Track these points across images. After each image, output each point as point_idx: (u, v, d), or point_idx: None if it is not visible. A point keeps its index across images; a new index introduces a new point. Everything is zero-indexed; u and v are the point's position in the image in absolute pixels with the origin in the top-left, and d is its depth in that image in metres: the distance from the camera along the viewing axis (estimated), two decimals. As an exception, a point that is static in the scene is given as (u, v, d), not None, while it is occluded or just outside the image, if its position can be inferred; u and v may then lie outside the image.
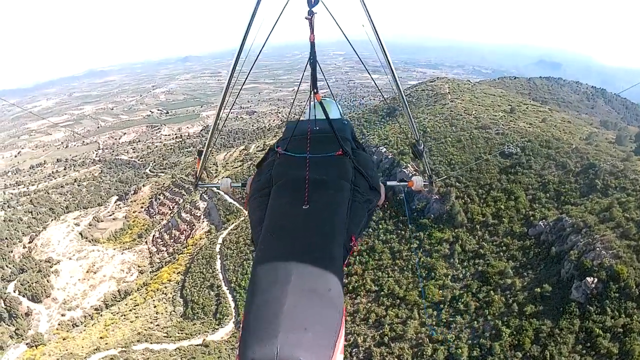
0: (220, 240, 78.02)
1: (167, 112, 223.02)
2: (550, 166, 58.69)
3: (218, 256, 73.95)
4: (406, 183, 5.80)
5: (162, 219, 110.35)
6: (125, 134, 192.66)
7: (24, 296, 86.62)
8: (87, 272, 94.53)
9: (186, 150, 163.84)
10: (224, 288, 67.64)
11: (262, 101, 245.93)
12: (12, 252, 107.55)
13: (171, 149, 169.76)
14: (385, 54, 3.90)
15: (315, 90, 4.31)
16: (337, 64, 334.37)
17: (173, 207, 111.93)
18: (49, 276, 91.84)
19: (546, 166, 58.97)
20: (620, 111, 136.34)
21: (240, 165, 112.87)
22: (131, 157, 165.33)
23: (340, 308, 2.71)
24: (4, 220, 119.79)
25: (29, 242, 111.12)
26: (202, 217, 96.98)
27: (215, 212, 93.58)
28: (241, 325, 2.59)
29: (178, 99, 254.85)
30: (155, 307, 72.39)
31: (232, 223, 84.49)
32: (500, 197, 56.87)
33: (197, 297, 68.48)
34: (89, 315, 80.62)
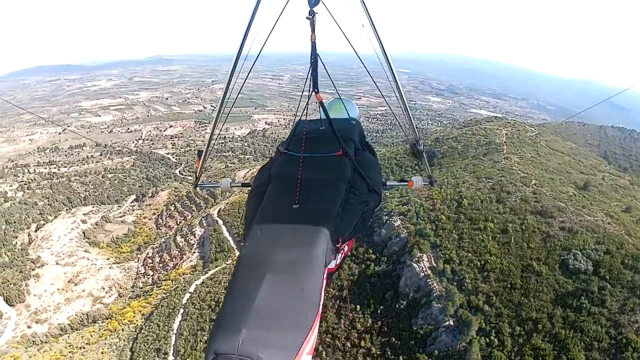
0: (192, 288, 65.13)
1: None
2: (634, 309, 37.09)
3: (181, 311, 61.39)
4: (406, 183, 5.53)
5: (166, 233, 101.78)
6: (171, 126, 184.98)
7: (1, 295, 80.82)
8: (69, 282, 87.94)
9: (223, 154, 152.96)
10: (170, 358, 55.76)
11: (316, 111, 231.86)
12: (16, 238, 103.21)
13: (209, 150, 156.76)
14: (386, 55, 3.79)
15: (315, 90, 4.30)
16: (400, 83, 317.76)
17: (179, 223, 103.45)
18: (28, 279, 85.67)
19: (628, 307, 36.63)
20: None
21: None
22: (167, 153, 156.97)
23: (314, 309, 2.70)
24: (19, 202, 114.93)
25: (35, 231, 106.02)
26: (195, 246, 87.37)
27: (208, 244, 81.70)
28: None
29: (233, 98, 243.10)
30: (102, 353, 63.30)
31: (217, 266, 73.63)
32: (545, 350, 35.76)
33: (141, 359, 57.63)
34: (51, 335, 73.69)
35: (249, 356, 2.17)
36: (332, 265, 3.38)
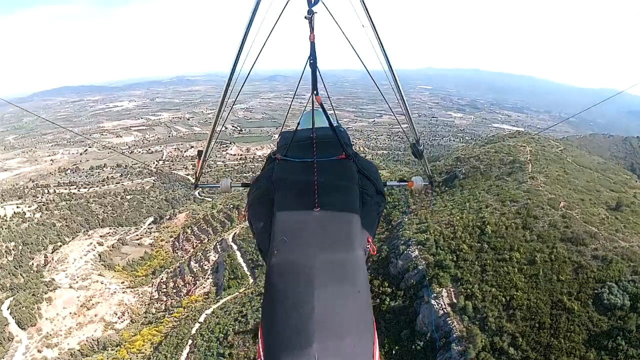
0: (202, 318, 62.89)
1: (241, 130, 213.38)
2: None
3: (189, 342, 59.12)
4: (406, 183, 5.41)
5: (182, 257, 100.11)
6: (192, 147, 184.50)
7: (14, 317, 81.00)
8: (82, 306, 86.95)
9: (243, 175, 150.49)
10: (175, 395, 53.51)
11: (295, 116, 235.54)
12: (32, 259, 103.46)
13: (229, 171, 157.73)
14: (385, 54, 3.80)
15: (315, 92, 4.22)
16: (422, 99, 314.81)
17: (196, 246, 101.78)
18: (41, 302, 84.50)
19: (671, 353, 33.71)
20: None
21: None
22: (187, 174, 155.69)
23: (371, 311, 2.58)
24: (37, 224, 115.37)
25: (51, 252, 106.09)
26: (208, 272, 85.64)
27: (222, 270, 79.81)
28: (261, 337, 2.41)
29: (255, 118, 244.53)
30: (108, 384, 61.78)
31: (229, 294, 71.47)
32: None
33: (146, 395, 55.90)
34: (60, 360, 73.75)
35: None
36: None
